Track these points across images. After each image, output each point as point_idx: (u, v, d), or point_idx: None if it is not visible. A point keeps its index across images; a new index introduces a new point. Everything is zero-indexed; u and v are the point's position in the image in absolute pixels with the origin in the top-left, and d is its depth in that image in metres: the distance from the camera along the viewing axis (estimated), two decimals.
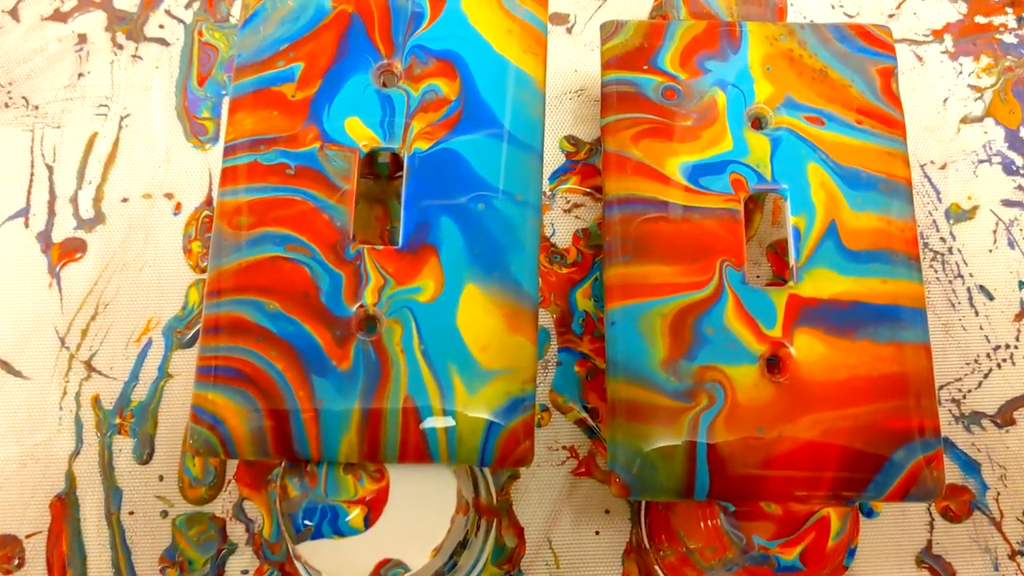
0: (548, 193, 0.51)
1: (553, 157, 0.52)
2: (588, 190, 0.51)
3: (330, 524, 0.37)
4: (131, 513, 0.46)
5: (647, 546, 0.45)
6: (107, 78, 0.53)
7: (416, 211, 0.39)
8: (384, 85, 0.40)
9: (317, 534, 0.37)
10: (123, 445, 0.47)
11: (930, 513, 0.46)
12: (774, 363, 0.38)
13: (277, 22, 0.41)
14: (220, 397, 0.37)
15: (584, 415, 0.47)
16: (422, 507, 0.37)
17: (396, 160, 0.46)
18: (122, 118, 0.52)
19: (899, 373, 0.38)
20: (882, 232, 0.39)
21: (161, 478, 0.46)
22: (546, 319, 0.49)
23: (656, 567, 0.45)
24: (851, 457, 0.37)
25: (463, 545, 0.40)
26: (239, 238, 0.38)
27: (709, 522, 0.38)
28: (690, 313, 0.38)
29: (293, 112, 0.40)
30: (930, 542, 0.45)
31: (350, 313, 0.37)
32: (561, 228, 0.50)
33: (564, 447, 0.47)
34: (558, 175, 0.51)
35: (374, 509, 0.37)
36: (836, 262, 0.39)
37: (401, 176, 0.39)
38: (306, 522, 0.37)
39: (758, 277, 0.48)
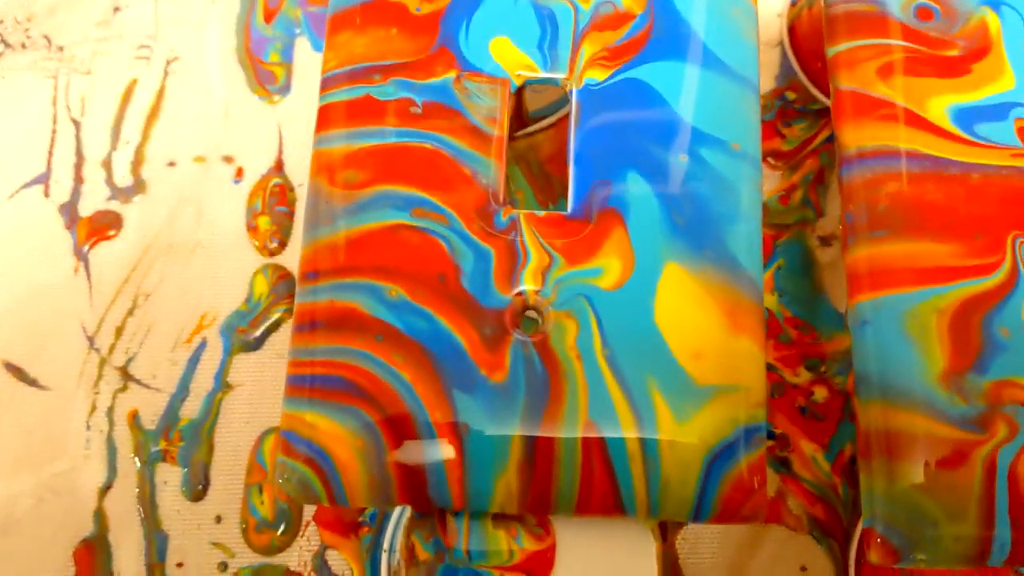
0: None
1: None
2: (763, 156, 0.39)
3: None
4: (180, 565, 0.35)
5: None
6: (150, 13, 0.42)
7: (591, 165, 0.28)
8: None
9: None
10: (169, 476, 0.36)
11: None
12: None
13: None
14: (322, 419, 0.26)
15: (770, 443, 0.36)
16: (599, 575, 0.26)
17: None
18: (168, 62, 0.41)
19: None
20: None
21: (219, 519, 0.35)
22: None
23: None
24: None
25: None
26: (346, 200, 0.27)
27: None
28: (976, 308, 0.28)
29: (418, 30, 0.29)
30: None
31: (504, 303, 0.27)
32: None
33: None
34: None
35: None
36: None
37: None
38: None
39: None
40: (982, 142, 0.29)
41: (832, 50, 0.31)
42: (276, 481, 0.26)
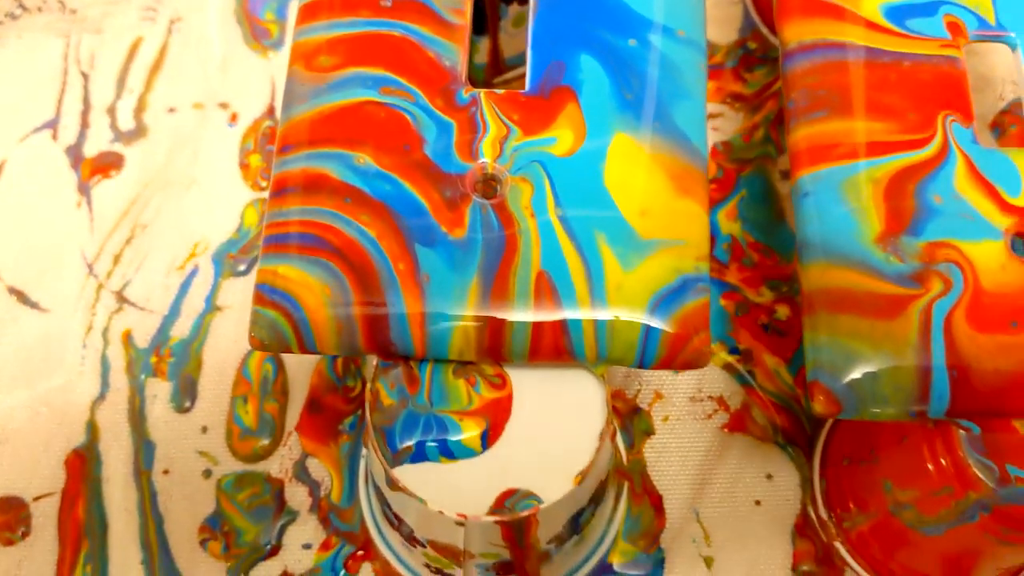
0: None
1: None
2: (726, 99, 0.42)
3: (436, 443, 0.27)
4: (166, 472, 0.36)
5: (825, 517, 0.35)
6: None
7: (547, 48, 0.30)
8: None
9: (420, 456, 0.27)
10: (159, 390, 0.38)
11: None
12: None
13: None
14: (294, 271, 0.28)
15: (734, 358, 0.37)
16: (559, 421, 0.28)
17: None
18: (172, 22, 0.44)
19: None
20: None
21: (205, 430, 0.37)
22: None
23: (837, 543, 0.34)
24: None
25: (599, 496, 0.31)
26: (320, 81, 0.30)
27: (942, 460, 0.28)
28: (910, 177, 0.29)
29: None
30: None
31: (464, 170, 0.28)
32: None
33: (711, 397, 0.37)
34: None
35: (494, 425, 0.28)
36: None
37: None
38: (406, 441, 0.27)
39: None
40: (913, 34, 0.31)
41: None
42: (250, 330, 0.28)
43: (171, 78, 0.43)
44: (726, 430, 0.36)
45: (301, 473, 0.36)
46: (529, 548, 0.29)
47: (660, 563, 0.35)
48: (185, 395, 0.37)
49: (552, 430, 0.28)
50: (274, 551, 0.35)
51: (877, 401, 0.27)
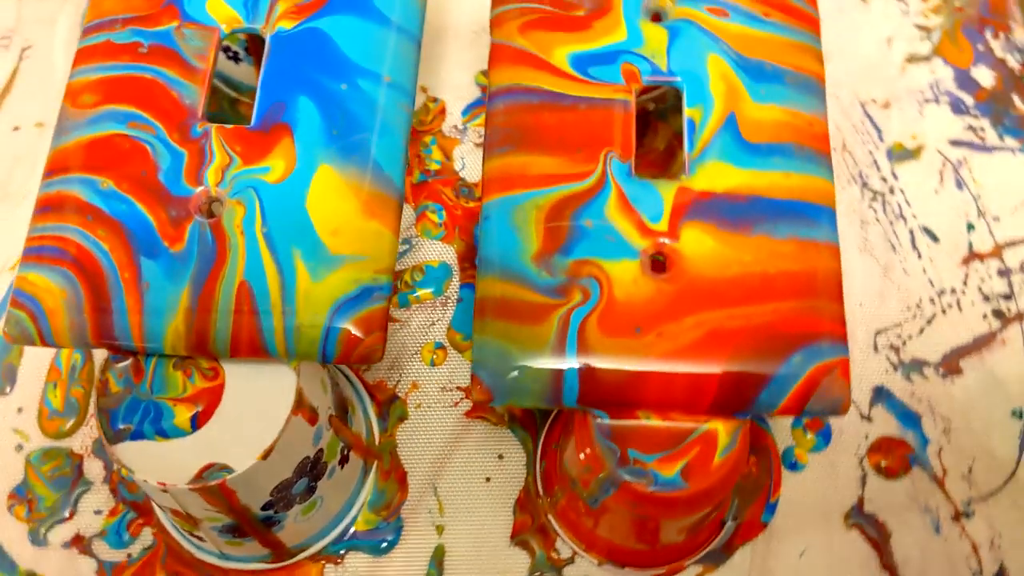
0: (460, 127, 0.48)
1: (469, 92, 0.48)
2: None
3: (152, 424, 0.33)
4: None
5: (542, 493, 0.40)
6: (12, 12, 0.51)
7: (273, 90, 0.35)
8: None
9: (138, 435, 0.33)
10: None
11: (862, 468, 0.41)
12: (660, 262, 0.34)
13: None
14: (40, 278, 0.33)
15: None
16: (255, 407, 0.33)
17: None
18: (23, 50, 0.50)
19: (800, 271, 0.34)
20: (787, 125, 0.36)
21: (20, 410, 0.43)
22: (449, 254, 0.45)
23: (548, 516, 0.40)
24: (741, 361, 0.33)
25: (317, 468, 0.36)
26: (81, 117, 0.35)
27: (588, 450, 0.34)
28: (568, 205, 0.35)
29: None
30: (861, 499, 0.40)
31: (190, 193, 0.34)
32: (471, 162, 0.47)
33: (459, 388, 0.42)
34: (472, 108, 0.48)
35: (205, 410, 0.33)
36: (733, 154, 0.35)
37: None
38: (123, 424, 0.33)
39: None
40: (592, 80, 0.36)
41: (493, 12, 0.38)
42: (3, 328, 0.33)
43: (19, 100, 0.49)
44: (468, 416, 0.42)
45: (99, 450, 0.42)
46: (243, 512, 0.34)
47: (398, 530, 0.40)
48: (6, 381, 0.43)
49: (251, 414, 0.33)
50: (70, 516, 0.41)
51: (520, 392, 0.33)
